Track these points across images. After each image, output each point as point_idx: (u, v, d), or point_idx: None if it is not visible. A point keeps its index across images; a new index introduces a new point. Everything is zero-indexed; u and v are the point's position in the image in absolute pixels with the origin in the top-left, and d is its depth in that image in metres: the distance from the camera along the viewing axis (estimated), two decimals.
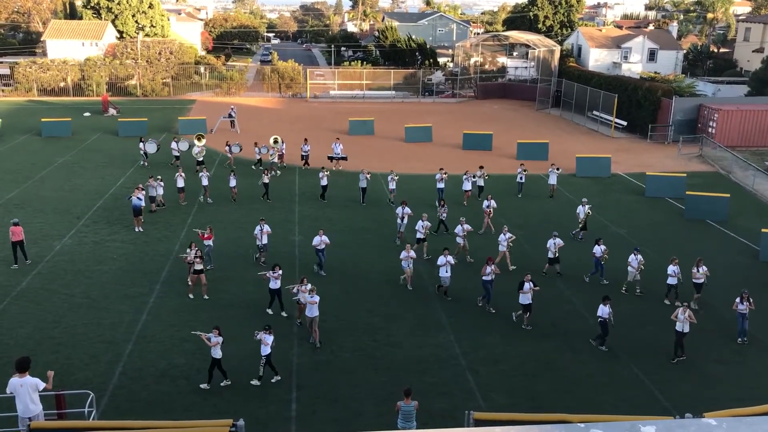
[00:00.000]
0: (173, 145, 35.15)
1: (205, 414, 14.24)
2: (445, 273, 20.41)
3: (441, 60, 74.86)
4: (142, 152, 35.31)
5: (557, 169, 32.08)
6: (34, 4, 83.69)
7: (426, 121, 46.72)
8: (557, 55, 60.57)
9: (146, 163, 35.10)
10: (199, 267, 19.95)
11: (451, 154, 39.59)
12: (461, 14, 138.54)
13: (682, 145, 41.83)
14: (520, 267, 22.84)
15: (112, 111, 50.93)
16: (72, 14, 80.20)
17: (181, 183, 28.77)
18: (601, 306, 17.83)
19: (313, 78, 64.50)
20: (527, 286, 18.75)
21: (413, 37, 75.30)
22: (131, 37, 68.61)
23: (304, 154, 35.41)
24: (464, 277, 21.56)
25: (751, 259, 24.95)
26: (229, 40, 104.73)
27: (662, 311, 20.32)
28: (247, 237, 24.55)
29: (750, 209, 31.23)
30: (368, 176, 29.72)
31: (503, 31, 78.34)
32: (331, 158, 35.08)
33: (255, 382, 15.68)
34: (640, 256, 21.23)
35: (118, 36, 70.29)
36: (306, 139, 36.29)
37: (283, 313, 19.06)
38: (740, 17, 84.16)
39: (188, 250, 20.61)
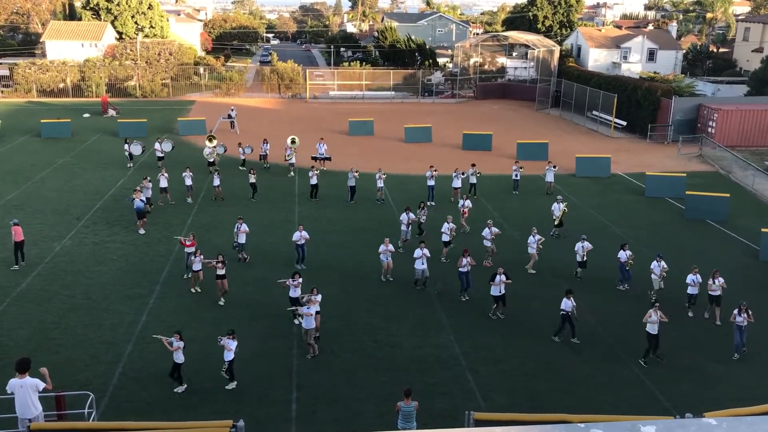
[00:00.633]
0: (156, 145, 35.15)
1: (205, 415, 14.23)
2: (420, 265, 20.88)
3: (440, 60, 74.88)
4: (126, 154, 35.35)
5: (554, 167, 32.34)
6: (34, 5, 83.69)
7: (425, 122, 46.73)
8: (557, 55, 60.59)
9: (131, 165, 35.13)
10: (221, 272, 19.69)
11: (450, 154, 39.58)
12: (460, 15, 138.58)
13: (681, 145, 41.84)
14: (520, 265, 22.87)
15: (111, 112, 50.92)
16: (71, 15, 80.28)
17: (164, 183, 28.86)
18: (565, 300, 18.10)
19: (312, 78, 64.51)
20: (498, 278, 19.12)
21: (413, 37, 75.32)
22: (130, 38, 68.63)
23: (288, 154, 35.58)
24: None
25: (751, 258, 24.96)
26: (229, 41, 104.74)
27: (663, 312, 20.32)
28: (249, 237, 24.53)
29: (750, 209, 31.24)
30: (357, 175, 29.90)
31: (502, 31, 78.39)
32: (315, 158, 35.17)
33: (231, 385, 15.50)
34: (663, 263, 20.54)
35: (118, 37, 70.31)
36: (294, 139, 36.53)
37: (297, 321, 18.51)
38: (740, 17, 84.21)
39: (194, 258, 20.39)
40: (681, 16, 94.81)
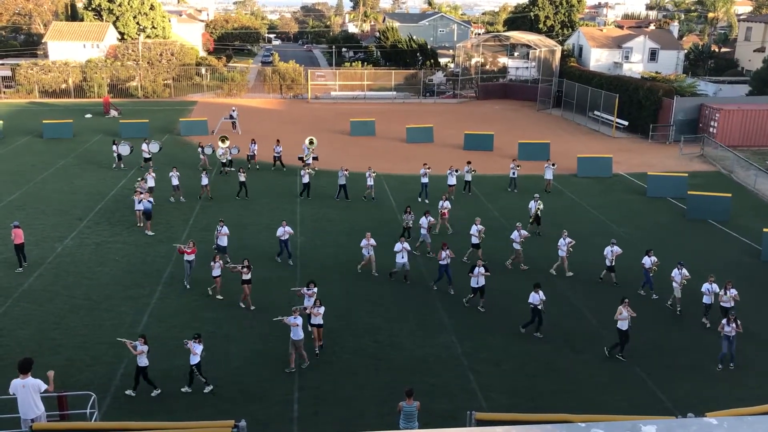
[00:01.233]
0: (143, 146, 35.15)
1: (207, 415, 14.25)
2: (401, 259, 21.22)
3: (442, 60, 74.88)
4: (115, 154, 35.37)
5: (552, 164, 32.66)
6: (36, 5, 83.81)
7: (427, 122, 46.73)
8: (558, 55, 60.56)
9: (117, 166, 35.14)
10: (247, 277, 19.36)
11: (452, 154, 39.56)
12: (462, 15, 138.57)
13: (683, 145, 41.82)
14: (519, 265, 22.88)
15: (113, 112, 50.99)
16: (73, 16, 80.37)
17: (151, 182, 28.95)
18: (533, 293, 18.26)
19: (314, 79, 64.53)
20: (477, 270, 19.52)
21: (414, 37, 75.32)
22: (132, 39, 68.71)
23: (276, 155, 35.82)
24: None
25: (753, 258, 24.93)
26: (230, 42, 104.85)
27: (664, 312, 20.33)
28: (249, 238, 24.57)
29: (752, 209, 31.21)
30: (347, 173, 30.27)
31: (504, 31, 78.40)
32: (301, 158, 35.29)
33: (208, 389, 15.37)
34: (684, 271, 19.91)
35: (120, 37, 70.40)
36: (278, 141, 36.74)
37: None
38: (741, 17, 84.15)
39: (212, 263, 19.97)
40: (683, 16, 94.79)
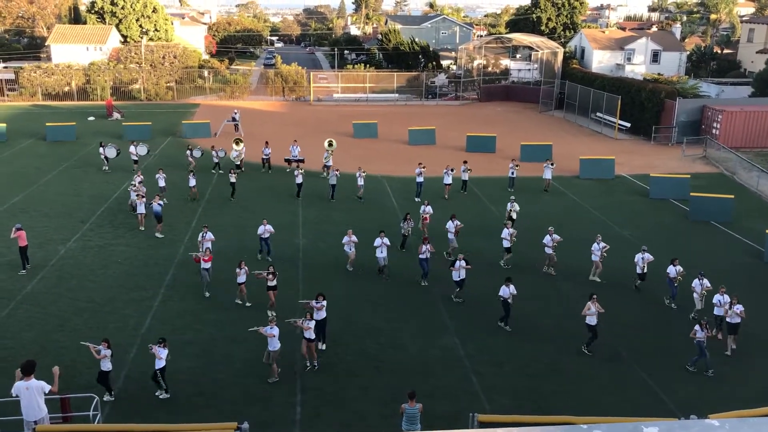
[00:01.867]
0: (131, 149, 35.18)
1: (209, 417, 14.26)
2: (380, 254, 21.83)
3: (444, 62, 74.93)
4: (102, 157, 35.42)
5: (552, 164, 32.96)
6: (39, 9, 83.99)
7: (429, 124, 46.76)
8: (560, 57, 60.55)
9: (107, 168, 35.19)
10: (272, 284, 19.16)
11: (454, 156, 39.53)
12: (464, 17, 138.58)
13: (686, 146, 41.79)
14: (519, 265, 22.88)
15: (116, 115, 51.08)
16: (76, 19, 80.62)
17: (138, 182, 28.96)
18: (503, 287, 18.70)
19: (316, 81, 64.62)
20: (458, 263, 20.15)
21: (416, 39, 75.43)
22: (135, 42, 68.88)
23: (264, 156, 35.92)
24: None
25: (755, 260, 24.90)
26: (233, 44, 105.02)
27: (667, 314, 20.30)
28: (250, 239, 24.59)
29: (754, 210, 31.16)
30: (338, 173, 30.81)
31: (506, 33, 78.34)
32: (288, 161, 35.45)
33: (163, 395, 15.24)
34: (705, 281, 19.45)
35: (122, 40, 70.57)
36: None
37: (322, 346, 17.78)
38: (744, 18, 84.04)
39: (238, 269, 19.67)
40: (685, 18, 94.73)
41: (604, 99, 49.94)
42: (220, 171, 34.66)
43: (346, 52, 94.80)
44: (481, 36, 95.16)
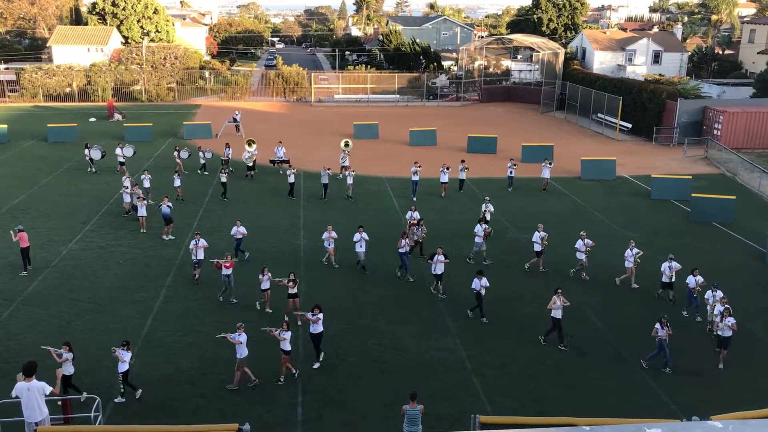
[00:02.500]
0: (118, 150, 35.14)
1: (211, 418, 14.25)
2: (359, 248, 22.25)
3: (445, 63, 74.94)
4: (87, 158, 35.37)
5: (549, 163, 33.12)
6: (40, 10, 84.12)
7: (430, 125, 46.76)
8: (561, 57, 60.56)
9: (93, 169, 35.16)
10: (293, 291, 18.85)
11: (455, 157, 39.49)
12: (465, 18, 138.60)
13: (687, 147, 41.76)
14: (519, 265, 22.85)
15: (117, 116, 51.12)
16: (77, 20, 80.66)
17: (127, 184, 28.91)
18: (476, 280, 19.06)
19: (317, 82, 64.63)
20: (437, 257, 20.43)
21: (417, 40, 75.47)
22: (136, 43, 68.93)
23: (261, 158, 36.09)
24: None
25: (757, 261, 24.86)
26: (234, 45, 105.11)
27: (670, 316, 20.24)
28: (250, 241, 24.57)
29: (756, 211, 31.12)
30: (329, 172, 31.17)
31: (507, 34, 78.37)
32: (273, 162, 35.60)
33: (119, 399, 15.06)
34: (719, 292, 18.68)
35: (123, 41, 70.64)
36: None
37: (317, 363, 17.48)
38: (745, 19, 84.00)
39: (261, 276, 19.24)
40: (686, 18, 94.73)
41: (605, 100, 49.93)
42: (206, 172, 34.72)
43: (347, 53, 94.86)
44: (482, 37, 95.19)
